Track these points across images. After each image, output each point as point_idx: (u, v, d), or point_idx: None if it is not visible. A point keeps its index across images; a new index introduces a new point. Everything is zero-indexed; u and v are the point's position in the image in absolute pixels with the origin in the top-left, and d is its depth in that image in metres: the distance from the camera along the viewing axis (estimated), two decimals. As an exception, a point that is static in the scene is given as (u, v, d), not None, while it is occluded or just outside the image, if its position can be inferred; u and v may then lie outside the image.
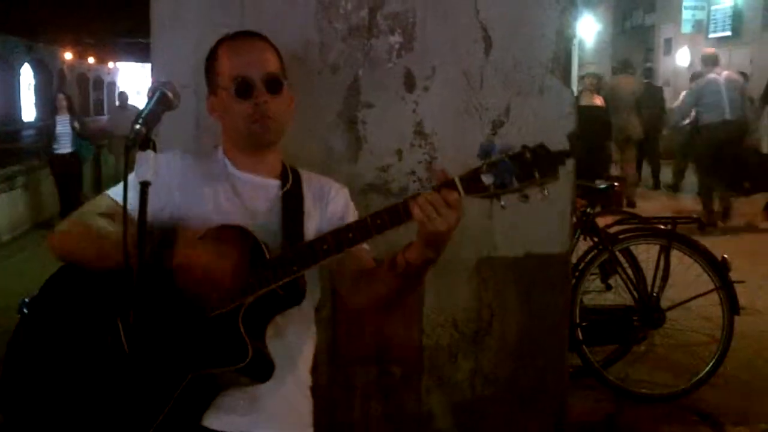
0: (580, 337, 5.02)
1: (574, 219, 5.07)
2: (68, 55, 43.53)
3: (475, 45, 3.15)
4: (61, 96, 13.14)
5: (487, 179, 1.84)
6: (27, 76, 40.72)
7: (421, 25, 3.12)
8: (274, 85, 2.12)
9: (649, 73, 16.28)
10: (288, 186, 2.23)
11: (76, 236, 2.05)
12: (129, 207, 1.77)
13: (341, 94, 3.13)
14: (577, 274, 5.08)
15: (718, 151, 10.40)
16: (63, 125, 12.52)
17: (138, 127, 1.78)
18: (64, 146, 12.45)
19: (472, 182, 1.86)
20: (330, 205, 2.28)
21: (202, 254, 1.91)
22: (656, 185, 14.56)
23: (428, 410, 3.29)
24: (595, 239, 5.20)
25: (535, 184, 1.82)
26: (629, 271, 5.17)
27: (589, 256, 5.20)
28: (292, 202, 2.20)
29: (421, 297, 3.20)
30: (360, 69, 3.12)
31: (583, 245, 5.26)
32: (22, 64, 40.06)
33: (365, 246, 2.16)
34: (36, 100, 40.48)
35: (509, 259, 3.25)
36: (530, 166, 1.80)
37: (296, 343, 2.22)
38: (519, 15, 3.16)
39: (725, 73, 10.74)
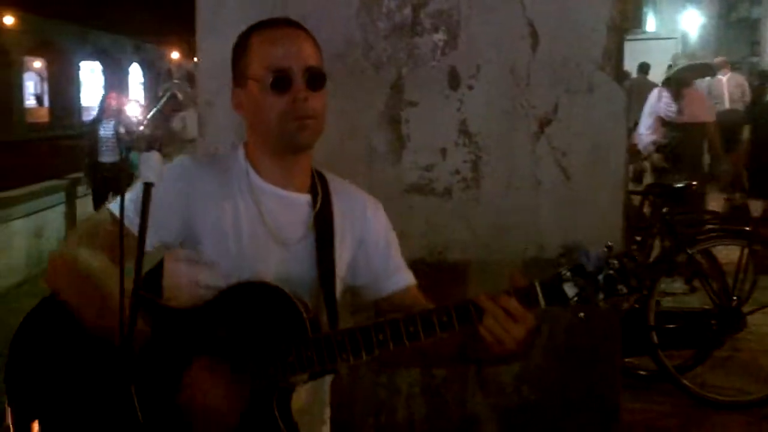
0: (656, 340, 4.86)
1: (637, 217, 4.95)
2: (175, 54, 44.82)
3: (522, 41, 3.07)
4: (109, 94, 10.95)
5: (570, 290, 1.65)
6: (136, 74, 42.14)
7: (466, 22, 3.07)
8: (316, 80, 1.85)
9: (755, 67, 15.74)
10: (319, 204, 1.94)
11: (73, 286, 1.81)
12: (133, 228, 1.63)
13: (384, 93, 3.10)
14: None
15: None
16: (107, 129, 10.38)
17: (141, 128, 1.76)
18: (108, 154, 10.33)
19: (552, 292, 1.66)
20: (369, 233, 2.01)
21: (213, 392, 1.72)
22: None
23: (473, 414, 3.23)
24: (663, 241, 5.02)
25: (619, 299, 1.66)
26: (708, 273, 4.98)
27: (665, 258, 5.03)
28: (324, 224, 1.93)
29: (466, 297, 3.13)
30: (403, 67, 3.09)
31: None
32: (131, 64, 41.50)
33: (413, 278, 2.03)
34: (144, 98, 41.83)
35: (557, 260, 3.16)
36: (618, 280, 1.63)
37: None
38: (567, 8, 3.07)
39: None
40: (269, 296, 1.77)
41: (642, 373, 4.95)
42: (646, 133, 7.88)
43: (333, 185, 2.01)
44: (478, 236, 3.13)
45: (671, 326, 4.98)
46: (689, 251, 4.92)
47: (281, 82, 1.83)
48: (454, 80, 3.09)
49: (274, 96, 1.83)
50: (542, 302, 1.65)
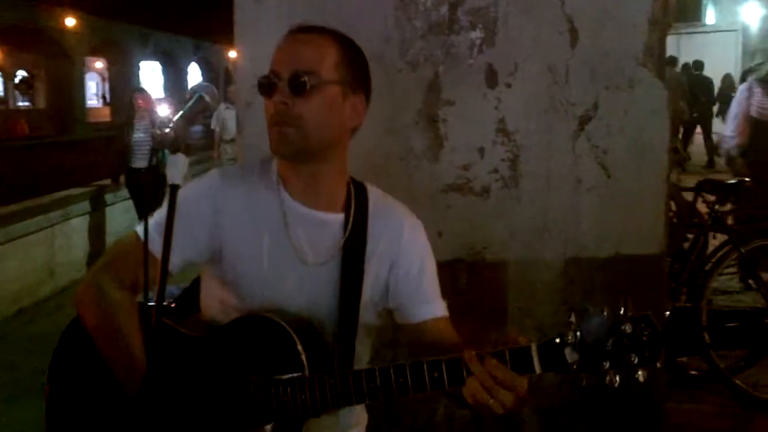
0: (708, 340, 4.76)
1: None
2: (233, 54, 45.20)
3: (560, 37, 3.03)
4: (138, 94, 10.04)
5: (571, 356, 1.47)
6: (194, 74, 42.68)
7: (503, 19, 3.03)
8: (297, 85, 1.72)
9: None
10: (350, 226, 1.84)
11: (94, 316, 1.83)
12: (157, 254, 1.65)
13: (421, 92, 3.08)
14: (702, 274, 4.85)
15: None
16: (139, 132, 9.58)
17: (167, 131, 1.75)
18: (142, 159, 9.56)
19: (551, 356, 1.49)
20: (402, 257, 1.88)
21: None
22: None
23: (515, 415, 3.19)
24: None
25: (628, 371, 1.45)
26: (762, 271, 4.87)
27: (718, 256, 4.92)
28: (354, 246, 1.84)
29: (505, 297, 3.12)
30: (440, 66, 3.07)
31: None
32: (189, 63, 42.06)
33: (443, 310, 1.91)
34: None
35: (598, 260, 3.11)
36: (630, 348, 1.45)
37: None
38: (607, 3, 3.02)
39: None
40: (271, 332, 1.71)
41: (693, 373, 4.85)
42: (730, 135, 7.09)
43: (372, 200, 1.91)
44: (517, 236, 3.10)
45: (724, 325, 4.88)
46: (742, 249, 4.82)
47: (264, 86, 1.78)
48: (491, 78, 3.06)
49: (265, 101, 1.79)
50: (537, 368, 1.50)
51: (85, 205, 9.49)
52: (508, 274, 3.11)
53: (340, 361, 1.78)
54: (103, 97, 42.81)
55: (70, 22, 32.04)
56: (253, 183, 1.86)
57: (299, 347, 1.67)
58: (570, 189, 3.08)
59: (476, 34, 3.04)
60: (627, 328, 1.46)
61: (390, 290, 1.88)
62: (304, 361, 1.67)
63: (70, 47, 32.71)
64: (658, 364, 1.44)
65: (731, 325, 4.93)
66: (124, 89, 37.86)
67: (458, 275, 3.09)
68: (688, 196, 5.14)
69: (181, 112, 1.84)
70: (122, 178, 9.93)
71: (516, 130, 3.08)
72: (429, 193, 3.08)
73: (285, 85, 1.74)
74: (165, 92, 41.62)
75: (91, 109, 38.77)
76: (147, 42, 37.96)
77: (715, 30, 23.52)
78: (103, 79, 43.52)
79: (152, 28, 37.23)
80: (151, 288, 1.75)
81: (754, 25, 23.56)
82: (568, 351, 1.47)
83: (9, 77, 41.22)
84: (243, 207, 1.82)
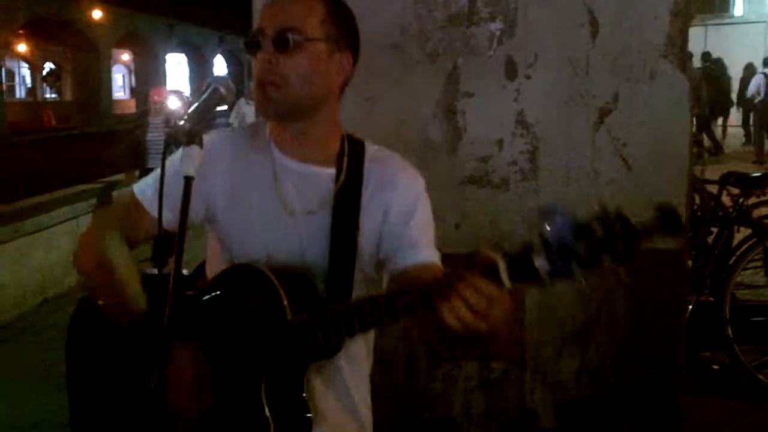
0: (731, 334, 4.73)
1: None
2: (258, 45, 45.31)
3: (581, 29, 3.00)
4: (154, 89, 9.68)
5: (541, 264, 1.41)
6: (219, 66, 42.86)
7: (523, 10, 3.01)
8: (283, 41, 1.70)
9: None
10: (343, 177, 1.83)
11: (93, 267, 1.80)
12: (153, 208, 1.74)
13: (440, 84, 3.06)
14: (726, 268, 4.80)
15: None
16: (155, 130, 9.10)
17: (182, 122, 1.74)
18: (154, 158, 8.99)
19: (521, 267, 1.44)
20: (393, 200, 1.82)
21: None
22: None
23: (531, 408, 3.19)
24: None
25: (601, 270, 1.39)
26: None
27: (742, 249, 4.88)
28: (346, 198, 1.81)
29: (523, 292, 3.09)
30: (459, 57, 3.05)
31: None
32: (215, 55, 42.23)
33: (432, 257, 1.82)
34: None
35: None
36: (601, 247, 1.38)
37: (349, 367, 1.90)
38: (629, -6, 2.98)
39: None
40: (255, 280, 1.70)
41: (715, 367, 4.81)
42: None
43: (369, 155, 1.87)
44: (535, 228, 3.06)
45: (748, 320, 4.84)
46: (767, 243, 4.77)
47: (250, 44, 1.76)
48: (511, 70, 3.04)
49: (253, 61, 1.77)
50: (506, 281, 1.44)
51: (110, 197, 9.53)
52: (527, 268, 3.08)
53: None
54: (131, 89, 43.08)
55: (97, 14, 32.32)
56: (243, 144, 1.88)
57: (281, 292, 1.66)
58: (589, 182, 3.05)
59: (496, 26, 3.02)
60: (597, 227, 1.39)
61: (383, 237, 1.83)
62: (287, 307, 1.66)
63: (97, 39, 32.99)
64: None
65: (755, 319, 4.88)
66: (149, 81, 38.26)
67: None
68: (713, 188, 5.09)
69: (196, 105, 1.83)
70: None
71: (535, 122, 3.05)
72: (447, 185, 3.06)
73: (269, 42, 1.72)
74: (190, 84, 41.86)
75: (117, 101, 39.09)
76: (172, 34, 38.17)
77: (743, 21, 23.26)
78: (130, 71, 43.80)
79: (178, 20, 37.44)
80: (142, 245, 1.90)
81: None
82: (537, 260, 1.41)
83: (37, 69, 41.61)
84: (233, 167, 1.85)
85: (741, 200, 4.93)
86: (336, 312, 1.62)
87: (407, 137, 3.03)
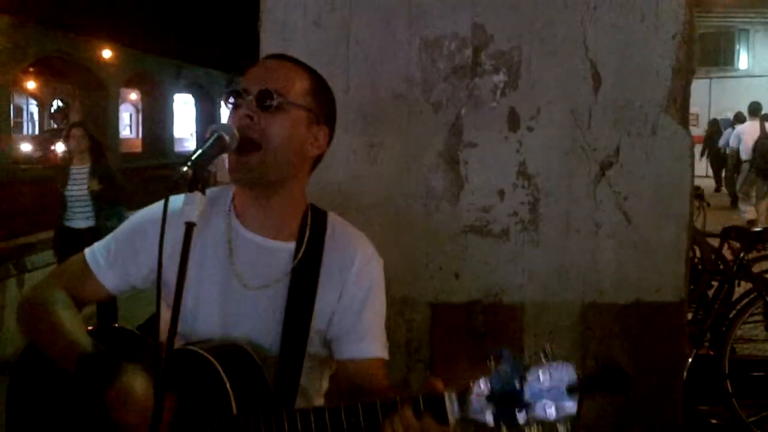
0: (730, 389, 4.70)
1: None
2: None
3: (584, 83, 3.04)
4: (75, 131, 7.36)
5: (483, 406, 1.40)
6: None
7: (527, 63, 3.05)
8: (266, 99, 1.72)
9: None
10: (301, 253, 1.81)
11: (41, 331, 1.83)
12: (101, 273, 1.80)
13: (443, 134, 3.09)
14: (727, 322, 4.79)
15: None
16: (78, 183, 7.09)
17: (185, 169, 1.73)
18: (79, 216, 7.06)
19: (465, 405, 1.44)
20: (348, 287, 1.83)
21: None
22: None
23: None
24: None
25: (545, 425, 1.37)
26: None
27: (742, 303, 4.86)
28: (304, 273, 1.80)
29: (520, 338, 3.10)
30: (462, 108, 3.08)
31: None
32: (222, 96, 42.53)
33: (379, 352, 1.84)
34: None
35: (617, 307, 3.09)
36: (545, 397, 1.37)
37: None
38: (631, 50, 3.03)
39: None
40: (203, 369, 1.66)
41: (714, 422, 4.77)
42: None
43: (332, 230, 1.87)
44: (535, 279, 3.08)
45: (747, 374, 4.81)
46: (767, 297, 4.76)
47: (234, 97, 1.76)
48: (513, 121, 3.07)
49: (229, 118, 1.77)
50: (451, 417, 1.44)
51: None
52: (526, 318, 3.09)
53: (280, 394, 1.75)
54: (137, 128, 43.38)
55: (107, 53, 32.59)
56: (202, 209, 1.77)
57: (228, 386, 1.64)
58: (590, 234, 3.07)
59: (499, 78, 3.06)
60: (544, 376, 1.38)
61: (333, 321, 1.83)
62: (232, 400, 1.63)
63: (106, 78, 33.24)
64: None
65: (755, 374, 4.85)
66: (157, 121, 38.49)
67: (475, 317, 3.08)
68: (714, 242, 5.10)
69: (199, 151, 1.82)
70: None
71: (537, 173, 3.08)
72: (448, 234, 3.08)
73: (252, 100, 1.73)
74: (197, 125, 42.09)
75: (124, 139, 39.26)
76: (180, 75, 38.49)
77: (747, 75, 23.44)
78: (137, 110, 44.09)
79: (185, 61, 37.78)
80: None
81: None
82: (479, 401, 1.41)
83: (44, 106, 41.91)
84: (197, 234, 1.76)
85: (742, 254, 4.93)
86: (280, 415, 1.60)
87: (410, 185, 3.05)
